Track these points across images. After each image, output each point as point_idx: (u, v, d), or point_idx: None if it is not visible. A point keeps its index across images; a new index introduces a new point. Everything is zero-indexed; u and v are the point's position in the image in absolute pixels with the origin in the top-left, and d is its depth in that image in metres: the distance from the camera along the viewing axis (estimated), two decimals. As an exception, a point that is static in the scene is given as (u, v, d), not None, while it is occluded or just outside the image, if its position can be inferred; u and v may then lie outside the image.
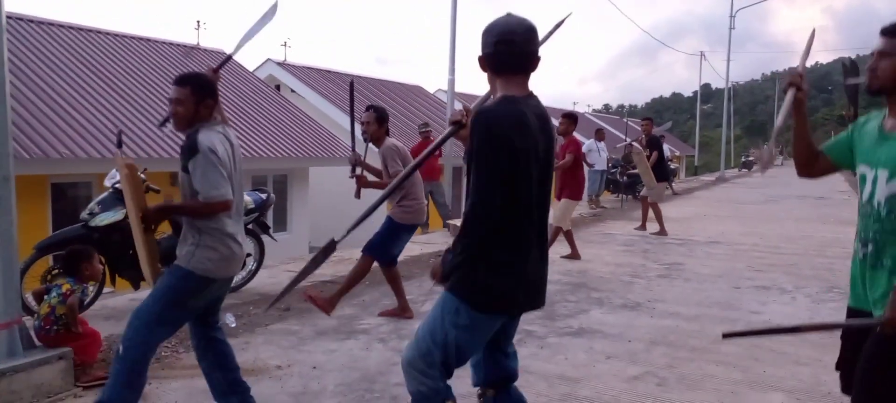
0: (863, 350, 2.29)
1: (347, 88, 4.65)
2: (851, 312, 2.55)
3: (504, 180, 2.28)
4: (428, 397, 2.41)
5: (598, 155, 15.30)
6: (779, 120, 2.65)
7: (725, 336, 2.53)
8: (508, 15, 2.41)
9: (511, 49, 2.35)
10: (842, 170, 2.68)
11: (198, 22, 17.28)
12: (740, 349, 4.72)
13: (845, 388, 2.52)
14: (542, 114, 2.42)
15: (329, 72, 21.03)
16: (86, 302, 4.11)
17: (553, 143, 2.48)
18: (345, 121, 17.63)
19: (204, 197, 2.98)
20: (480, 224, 2.30)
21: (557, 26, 2.86)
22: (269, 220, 10.73)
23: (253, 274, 6.19)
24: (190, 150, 2.99)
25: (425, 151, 2.90)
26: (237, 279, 6.05)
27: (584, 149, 15.79)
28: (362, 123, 5.39)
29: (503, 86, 2.39)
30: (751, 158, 46.03)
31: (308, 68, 20.28)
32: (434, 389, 2.41)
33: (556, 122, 5.06)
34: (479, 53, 2.42)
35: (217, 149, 3.00)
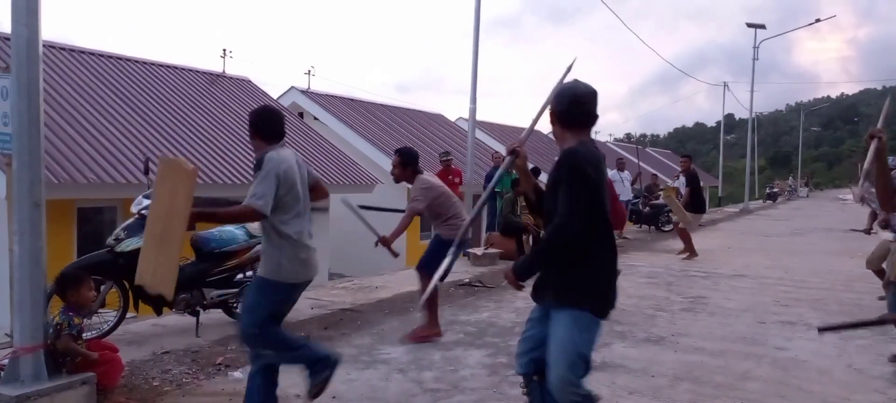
0: None
1: (373, 116, 4.74)
2: None
3: (586, 204, 2.81)
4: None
5: (622, 185, 15.23)
6: (866, 164, 3.34)
7: (821, 330, 3.49)
8: (576, 81, 3.03)
9: (581, 110, 2.97)
10: None
11: (223, 50, 17.57)
12: (766, 386, 4.62)
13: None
14: (602, 155, 3.00)
15: (352, 100, 21.25)
16: (81, 334, 3.97)
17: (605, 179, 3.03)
18: (366, 148, 17.78)
19: (248, 198, 3.39)
20: (565, 235, 2.80)
21: (566, 74, 3.23)
22: None
23: (273, 301, 6.20)
24: (257, 165, 3.47)
25: (494, 178, 3.50)
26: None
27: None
28: (392, 165, 5.84)
29: (571, 137, 2.97)
30: (775, 189, 45.59)
31: (331, 96, 20.51)
32: (586, 394, 2.90)
33: None
34: (553, 110, 3.02)
35: (279, 168, 3.46)
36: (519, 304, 7.28)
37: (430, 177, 5.86)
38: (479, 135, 25.73)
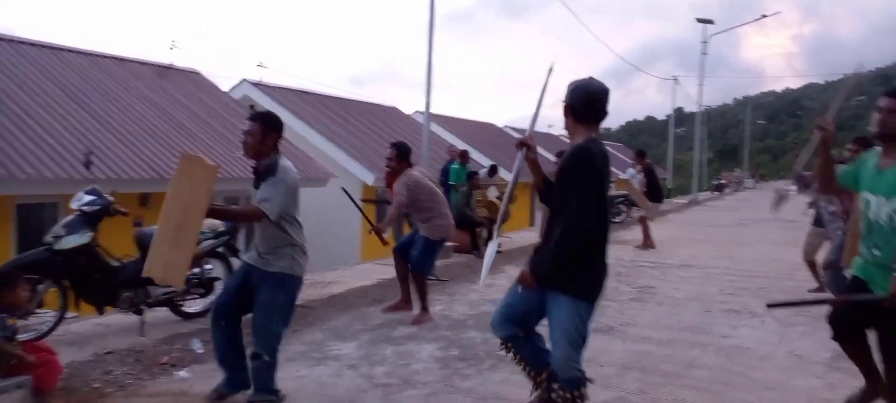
0: (885, 317, 3.24)
1: (327, 109, 4.84)
2: (856, 280, 3.48)
3: (596, 198, 3.03)
4: (579, 379, 3.21)
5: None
6: (806, 154, 3.76)
7: (770, 305, 3.83)
8: (591, 79, 3.21)
9: (595, 107, 3.16)
10: (849, 189, 3.66)
11: (171, 42, 17.11)
12: (712, 373, 4.73)
13: (834, 335, 3.58)
14: (608, 152, 3.20)
15: (305, 93, 20.96)
16: (15, 336, 3.79)
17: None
18: (320, 141, 17.55)
19: (258, 201, 3.74)
20: (579, 233, 3.03)
21: (548, 78, 3.50)
22: (240, 243, 10.59)
23: (222, 298, 6.08)
24: (270, 171, 3.76)
25: (514, 173, 3.61)
26: (205, 303, 5.95)
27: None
28: (386, 158, 6.24)
29: (583, 131, 3.17)
30: (723, 181, 46.73)
31: (283, 89, 20.19)
32: (582, 371, 3.22)
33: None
34: (566, 103, 3.19)
35: (293, 181, 3.80)
36: (472, 297, 7.30)
37: (418, 173, 6.17)
38: (435, 128, 25.65)
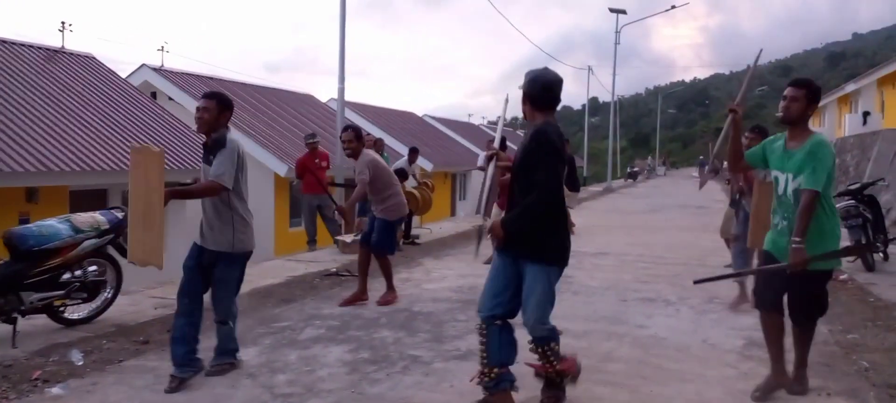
0: (792, 281, 3.81)
1: (236, 96, 4.52)
2: (768, 255, 4.02)
3: (558, 175, 3.46)
4: (550, 336, 3.61)
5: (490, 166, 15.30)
6: (720, 138, 4.27)
7: (696, 282, 4.41)
8: (546, 69, 3.65)
9: (550, 94, 3.59)
10: (756, 169, 4.40)
11: (62, 23, 15.96)
12: (628, 367, 4.64)
13: (757, 304, 4.15)
14: (563, 134, 3.70)
15: (211, 78, 20.02)
16: None
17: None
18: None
19: (213, 175, 3.99)
20: (545, 206, 3.45)
21: (505, 108, 4.28)
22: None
23: (109, 302, 5.54)
24: (219, 144, 4.03)
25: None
26: (90, 309, 5.41)
27: (478, 161, 15.80)
28: (343, 141, 6.52)
29: (541, 116, 3.59)
30: (636, 169, 48.13)
31: (187, 74, 19.21)
32: (553, 329, 3.64)
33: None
34: (526, 92, 3.60)
35: (239, 150, 4.10)
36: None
37: (374, 153, 6.60)
38: (354, 116, 25.14)
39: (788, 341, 4.02)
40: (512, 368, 3.70)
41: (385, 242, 6.45)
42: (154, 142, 13.51)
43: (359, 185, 6.30)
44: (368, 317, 5.96)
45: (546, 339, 3.61)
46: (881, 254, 9.02)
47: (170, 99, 17.79)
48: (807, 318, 3.94)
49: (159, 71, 18.31)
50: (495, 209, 8.70)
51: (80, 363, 4.48)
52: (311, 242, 11.13)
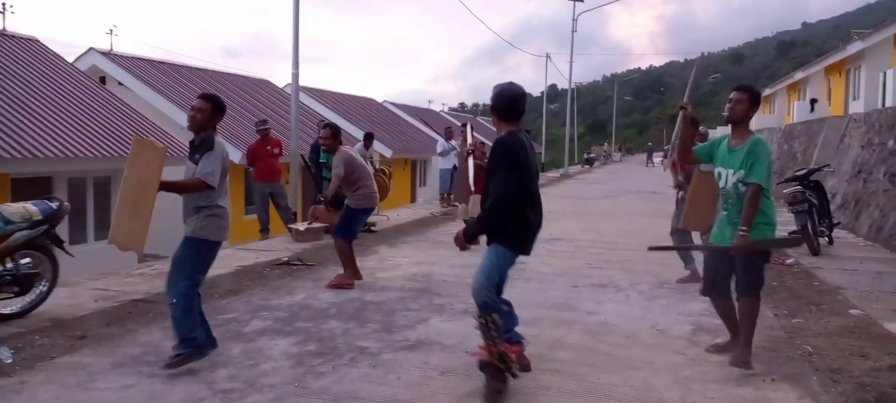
0: (735, 266, 4.29)
1: (190, 82, 4.45)
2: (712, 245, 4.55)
3: (516, 176, 3.79)
4: (490, 304, 3.80)
5: (449, 153, 15.23)
6: (675, 130, 4.85)
7: (650, 248, 5.36)
8: (511, 84, 4.04)
9: (514, 106, 3.98)
10: (702, 163, 4.84)
11: (2, 4, 15.35)
12: (577, 354, 4.63)
13: (707, 292, 4.58)
14: (529, 139, 4.03)
15: (163, 63, 19.45)
16: None
17: (535, 155, 4.11)
18: (180, 116, 16.32)
19: (200, 174, 4.21)
20: (504, 204, 3.80)
21: (469, 130, 4.93)
22: (64, 232, 9.68)
23: (44, 296, 5.29)
24: (207, 144, 4.25)
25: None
26: (22, 303, 5.17)
27: (437, 148, 15.69)
28: (320, 139, 7.18)
29: (506, 126, 3.96)
30: (592, 155, 48.67)
31: (138, 59, 18.63)
32: (494, 299, 3.85)
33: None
34: (493, 105, 4.01)
35: (225, 152, 4.36)
36: (337, 282, 6.90)
37: (350, 149, 7.17)
38: (311, 102, 24.79)
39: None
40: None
41: (348, 228, 6.85)
42: (102, 128, 13.10)
43: (334, 178, 6.87)
44: (318, 308, 5.85)
45: (487, 307, 3.79)
46: (826, 239, 9.25)
47: (120, 84, 17.22)
48: (747, 291, 4.29)
49: (108, 55, 17.71)
50: (475, 197, 8.78)
51: (9, 360, 4.27)
52: (264, 230, 10.93)
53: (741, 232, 4.11)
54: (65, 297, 5.77)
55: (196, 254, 4.30)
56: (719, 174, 4.35)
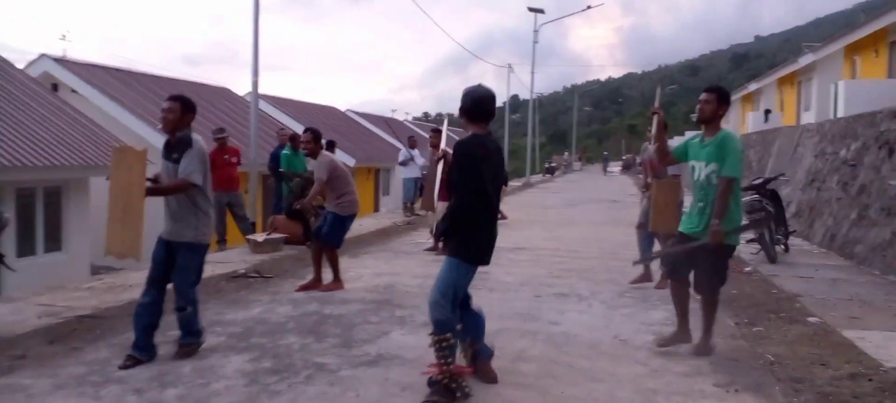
0: (700, 257, 4.62)
1: (147, 89, 4.38)
2: (682, 235, 4.80)
3: (476, 182, 3.80)
4: (445, 322, 3.81)
5: (414, 162, 15.11)
6: (652, 137, 5.17)
7: (635, 263, 6.63)
8: (480, 85, 4.06)
9: (481, 108, 3.99)
10: (679, 162, 5.13)
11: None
12: (540, 367, 4.56)
13: (669, 274, 4.98)
14: (495, 143, 4.07)
15: (119, 70, 18.95)
16: None
17: (502, 159, 4.18)
18: (137, 125, 15.90)
19: (184, 174, 4.32)
20: (465, 208, 3.83)
21: (442, 151, 4.60)
22: (10, 245, 9.30)
23: (-17, 313, 5.05)
24: (185, 143, 4.39)
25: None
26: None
27: (400, 157, 15.57)
28: (302, 142, 7.14)
29: (473, 127, 3.98)
30: (553, 164, 49.14)
31: (92, 65, 18.11)
32: (449, 316, 3.84)
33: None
34: (461, 106, 4.00)
35: (204, 150, 4.47)
36: (296, 296, 6.73)
37: (332, 155, 7.19)
38: (272, 110, 24.41)
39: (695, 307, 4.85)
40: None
41: (334, 235, 6.93)
42: (53, 136, 12.65)
43: (316, 184, 6.93)
44: (275, 322, 5.67)
45: (442, 325, 3.80)
46: (782, 246, 9.41)
47: (73, 91, 16.69)
48: (711, 290, 4.68)
49: (61, 61, 17.17)
50: (441, 204, 8.69)
51: (-56, 382, 4.02)
52: (221, 241, 10.65)
53: (715, 226, 4.40)
54: (6, 313, 5.50)
55: (200, 258, 4.59)
56: (693, 167, 4.65)
